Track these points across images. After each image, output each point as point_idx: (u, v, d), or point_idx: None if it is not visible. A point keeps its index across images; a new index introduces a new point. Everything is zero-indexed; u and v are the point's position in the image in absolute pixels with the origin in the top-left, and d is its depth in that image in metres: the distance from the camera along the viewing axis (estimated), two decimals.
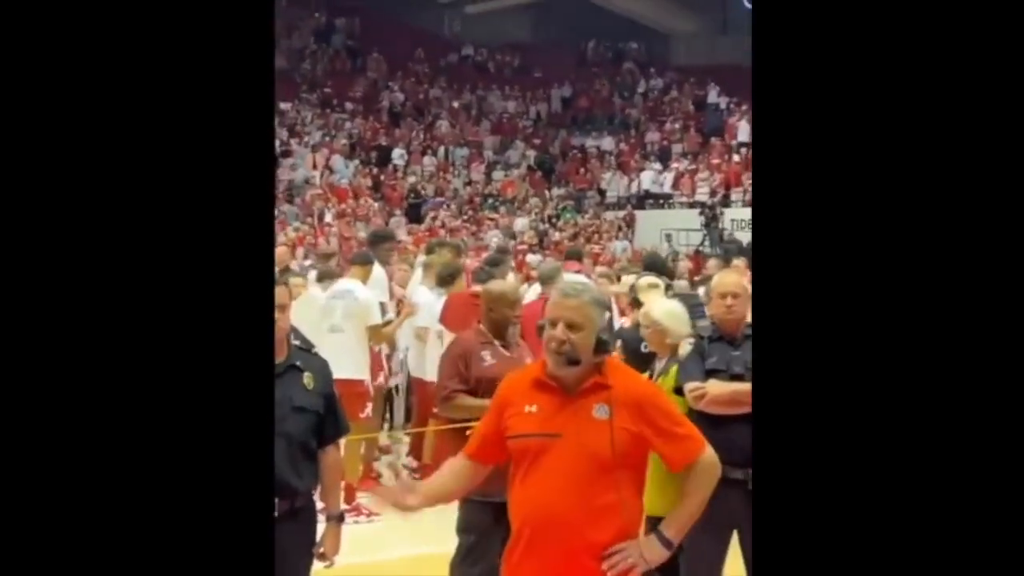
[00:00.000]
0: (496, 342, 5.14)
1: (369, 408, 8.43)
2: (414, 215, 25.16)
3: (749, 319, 4.98)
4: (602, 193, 29.27)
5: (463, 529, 4.95)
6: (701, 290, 9.39)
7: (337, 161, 26.46)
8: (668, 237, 25.39)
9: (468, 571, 4.89)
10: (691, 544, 4.70)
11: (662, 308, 5.18)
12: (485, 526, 4.67)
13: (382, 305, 8.53)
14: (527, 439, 3.33)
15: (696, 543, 4.67)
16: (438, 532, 5.29)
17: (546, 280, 8.46)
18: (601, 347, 3.34)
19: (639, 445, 3.36)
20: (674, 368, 4.89)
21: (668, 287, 6.22)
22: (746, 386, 4.59)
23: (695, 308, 6.10)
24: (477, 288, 8.30)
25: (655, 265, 9.69)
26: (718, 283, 4.97)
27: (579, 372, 3.35)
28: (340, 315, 8.12)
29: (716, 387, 4.57)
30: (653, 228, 26.31)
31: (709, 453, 3.45)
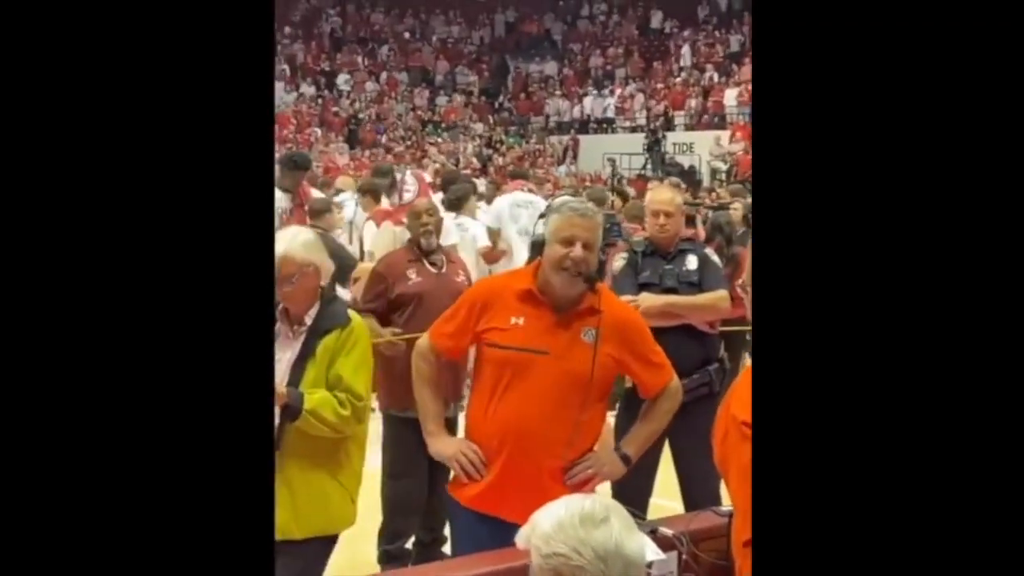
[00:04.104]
0: (424, 260, 5.13)
1: None
2: (355, 141, 24.96)
3: (684, 233, 5.05)
4: (546, 118, 29.16)
5: (387, 445, 4.98)
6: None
7: (276, 87, 26.15)
8: (611, 161, 25.34)
9: (394, 486, 4.93)
10: None
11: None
12: (409, 442, 4.68)
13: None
14: (511, 351, 3.34)
15: None
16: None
17: (454, 204, 8.41)
18: (599, 269, 3.42)
19: (616, 370, 3.46)
20: None
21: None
22: (678, 298, 4.66)
23: (611, 227, 6.15)
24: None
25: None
26: (650, 200, 5.04)
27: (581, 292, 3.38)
28: None
29: (648, 300, 4.62)
30: (596, 153, 26.25)
31: (676, 381, 3.57)
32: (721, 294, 4.73)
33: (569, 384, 3.32)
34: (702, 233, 7.77)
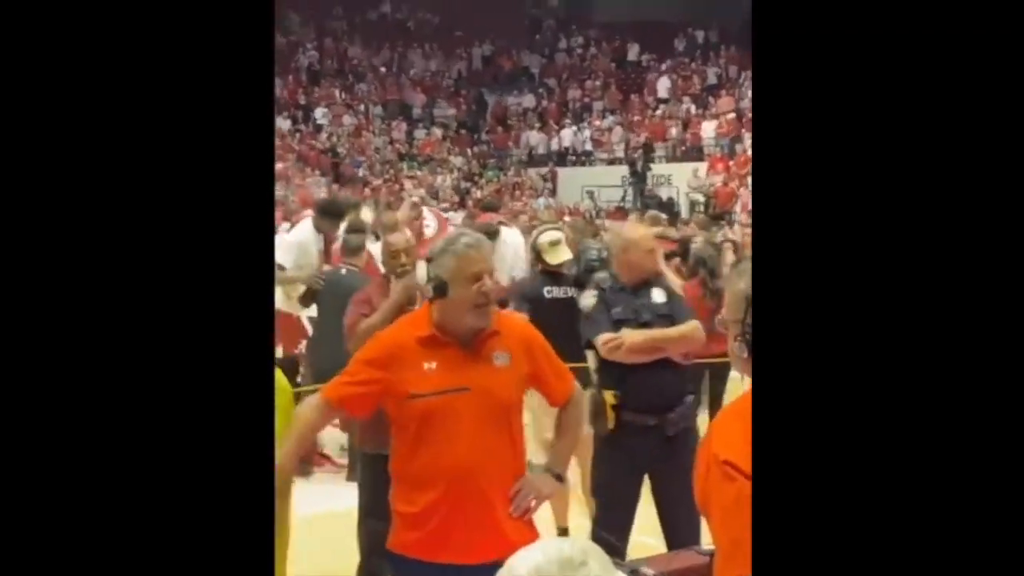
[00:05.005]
0: None
1: None
2: (335, 175, 24.94)
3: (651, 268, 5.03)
4: (529, 151, 29.21)
5: (364, 484, 4.90)
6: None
7: None
8: (590, 194, 25.45)
9: (371, 524, 4.84)
10: (605, 491, 4.73)
11: None
12: (385, 480, 4.61)
13: None
14: (432, 398, 3.28)
15: (610, 489, 4.71)
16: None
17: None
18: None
19: (529, 386, 3.48)
20: None
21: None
22: (660, 331, 4.61)
23: (596, 258, 6.15)
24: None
25: None
26: (616, 238, 5.01)
27: None
28: None
29: (633, 335, 4.56)
30: (575, 185, 26.35)
31: (579, 388, 3.64)
32: (695, 324, 4.70)
33: (496, 413, 3.33)
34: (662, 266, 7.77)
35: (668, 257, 8.33)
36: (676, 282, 7.76)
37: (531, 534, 3.34)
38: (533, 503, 3.42)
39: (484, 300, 3.31)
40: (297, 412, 3.45)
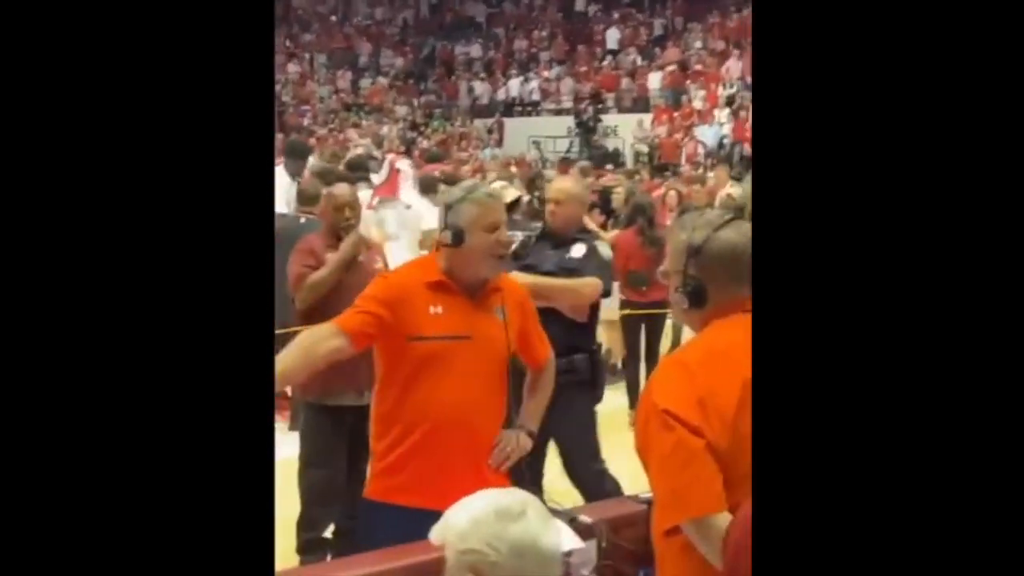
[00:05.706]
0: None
1: None
2: (279, 125, 24.72)
3: (581, 222, 5.14)
4: (473, 100, 29.11)
5: (305, 433, 4.90)
6: None
7: None
8: (536, 144, 25.40)
9: (312, 474, 4.85)
10: None
11: None
12: (326, 430, 4.66)
13: None
14: (436, 341, 3.31)
15: None
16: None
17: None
18: None
19: (516, 345, 3.51)
20: None
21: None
22: (542, 279, 4.58)
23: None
24: None
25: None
26: (548, 188, 5.10)
27: None
28: None
29: (518, 278, 4.52)
30: (521, 136, 26.29)
31: (553, 354, 3.72)
32: (589, 281, 4.71)
33: (492, 364, 3.40)
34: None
35: (589, 208, 8.40)
36: (598, 231, 7.86)
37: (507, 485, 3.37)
38: (509, 460, 3.48)
39: (501, 250, 3.40)
40: (302, 339, 3.33)
